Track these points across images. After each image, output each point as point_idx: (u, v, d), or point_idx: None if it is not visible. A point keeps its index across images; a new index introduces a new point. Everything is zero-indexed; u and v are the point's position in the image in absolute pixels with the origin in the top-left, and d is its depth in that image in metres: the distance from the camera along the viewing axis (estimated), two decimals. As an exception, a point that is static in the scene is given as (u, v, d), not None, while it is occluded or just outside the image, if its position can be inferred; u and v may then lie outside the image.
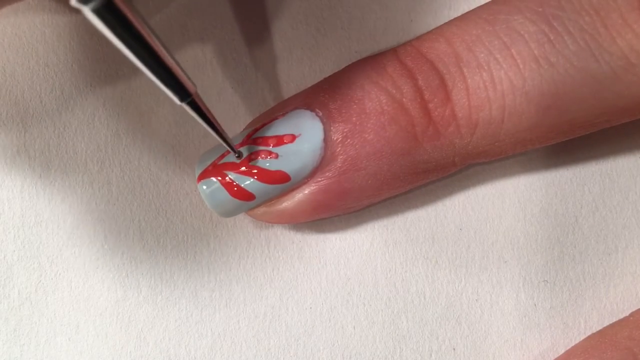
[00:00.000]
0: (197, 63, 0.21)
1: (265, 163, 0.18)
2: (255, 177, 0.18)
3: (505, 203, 0.21)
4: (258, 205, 0.19)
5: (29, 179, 0.21)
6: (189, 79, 0.14)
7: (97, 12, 0.11)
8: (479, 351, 0.21)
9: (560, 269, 0.21)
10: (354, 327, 0.21)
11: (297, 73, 0.22)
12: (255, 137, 0.19)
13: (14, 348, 0.20)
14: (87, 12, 0.11)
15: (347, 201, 0.19)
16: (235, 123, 0.21)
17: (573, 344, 0.20)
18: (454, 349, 0.21)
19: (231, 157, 0.19)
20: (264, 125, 0.19)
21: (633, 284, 0.21)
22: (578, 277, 0.21)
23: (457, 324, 0.21)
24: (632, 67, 0.17)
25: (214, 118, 0.16)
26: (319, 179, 0.19)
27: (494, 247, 0.21)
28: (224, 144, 0.18)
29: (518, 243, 0.21)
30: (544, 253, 0.21)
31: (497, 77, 0.18)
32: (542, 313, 0.21)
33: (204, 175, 0.19)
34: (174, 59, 0.14)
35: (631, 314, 0.20)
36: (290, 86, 0.21)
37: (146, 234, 0.21)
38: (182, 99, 0.15)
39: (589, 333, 0.20)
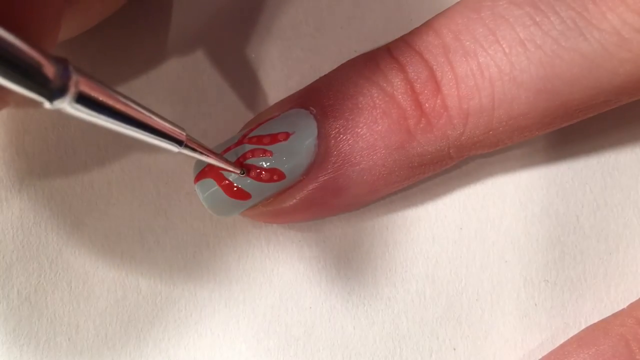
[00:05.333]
0: (197, 63, 0.21)
1: (260, 162, 0.18)
2: (251, 176, 0.18)
3: (506, 202, 0.21)
4: (254, 205, 0.19)
5: (28, 179, 0.21)
6: (176, 126, 0.15)
7: (74, 107, 0.12)
8: (480, 351, 0.20)
9: (561, 269, 0.21)
10: (354, 327, 0.21)
11: (297, 73, 0.22)
12: (250, 137, 0.19)
13: (13, 348, 0.20)
14: (67, 110, 0.12)
15: (344, 198, 0.19)
16: (235, 123, 0.21)
17: (574, 344, 0.20)
18: (454, 349, 0.21)
19: (227, 158, 0.19)
20: (259, 125, 0.19)
21: (634, 283, 0.21)
22: (579, 277, 0.21)
23: (458, 323, 0.21)
24: (625, 43, 0.17)
25: (210, 151, 0.17)
26: (314, 176, 0.19)
27: (494, 246, 0.21)
28: (229, 169, 0.18)
29: (519, 243, 0.21)
30: (545, 253, 0.21)
31: (484, 64, 0.18)
32: (542, 313, 0.21)
33: (200, 176, 0.19)
34: (157, 115, 0.14)
35: (627, 305, 0.20)
36: (290, 86, 0.21)
37: (146, 234, 0.21)
38: (178, 147, 0.15)
39: (590, 333, 0.20)
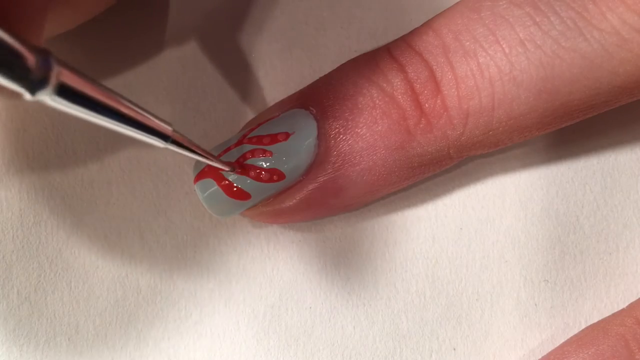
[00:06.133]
0: (197, 63, 0.21)
1: (260, 162, 0.18)
2: (251, 176, 0.18)
3: (506, 202, 0.21)
4: (254, 205, 0.19)
5: (28, 179, 0.21)
6: (163, 121, 0.15)
7: (55, 99, 0.11)
8: (480, 351, 0.20)
9: (561, 269, 0.21)
10: (354, 327, 0.21)
11: (297, 73, 0.22)
12: (250, 137, 0.19)
13: (13, 348, 0.20)
14: (48, 101, 0.11)
15: (344, 198, 0.19)
16: (235, 123, 0.21)
17: (573, 344, 0.20)
18: (454, 349, 0.21)
19: (227, 158, 0.19)
20: (259, 125, 0.19)
21: (634, 283, 0.21)
22: (579, 277, 0.21)
23: (458, 323, 0.21)
24: (625, 43, 0.17)
25: (198, 147, 0.16)
26: (314, 176, 0.19)
27: (494, 246, 0.21)
28: (217, 165, 0.18)
29: (519, 242, 0.21)
30: (545, 252, 0.21)
31: (484, 64, 0.18)
32: (542, 313, 0.21)
33: (200, 176, 0.19)
34: (143, 110, 0.14)
35: (627, 305, 0.20)
36: (290, 86, 0.21)
37: (146, 234, 0.21)
38: (164, 142, 0.15)
39: (590, 333, 0.20)
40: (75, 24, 0.18)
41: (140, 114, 0.14)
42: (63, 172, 0.21)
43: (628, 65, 0.17)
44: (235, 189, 0.18)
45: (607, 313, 0.20)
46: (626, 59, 0.17)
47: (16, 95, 0.11)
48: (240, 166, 0.18)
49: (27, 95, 0.11)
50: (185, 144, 0.16)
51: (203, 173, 0.19)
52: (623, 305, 0.20)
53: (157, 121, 0.14)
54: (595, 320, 0.20)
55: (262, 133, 0.19)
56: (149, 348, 0.20)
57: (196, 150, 0.16)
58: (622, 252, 0.21)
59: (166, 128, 0.15)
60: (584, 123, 0.19)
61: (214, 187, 0.19)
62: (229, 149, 0.19)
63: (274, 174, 0.18)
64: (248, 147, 0.19)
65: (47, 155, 0.21)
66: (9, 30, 0.10)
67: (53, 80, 0.11)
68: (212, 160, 0.17)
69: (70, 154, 0.21)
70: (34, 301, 0.20)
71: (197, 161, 0.19)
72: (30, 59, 0.11)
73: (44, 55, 0.11)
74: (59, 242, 0.21)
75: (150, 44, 0.21)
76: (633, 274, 0.21)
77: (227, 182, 0.18)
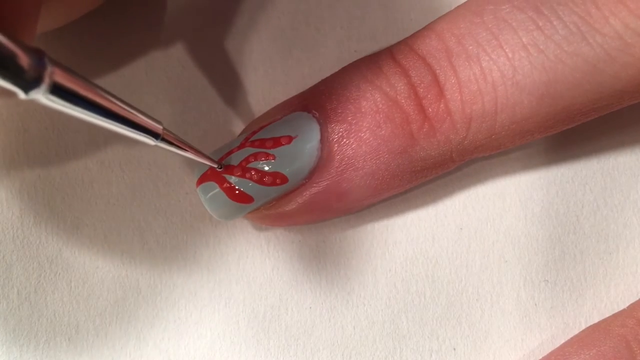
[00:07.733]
0: (197, 63, 0.21)
1: (263, 165, 0.18)
2: (254, 179, 0.18)
3: (506, 202, 0.21)
4: (257, 208, 0.19)
5: (28, 179, 0.21)
6: (153, 119, 0.15)
7: (49, 98, 0.12)
8: (480, 351, 0.20)
9: (561, 269, 0.21)
10: (354, 327, 0.21)
11: (296, 73, 0.22)
12: (253, 140, 0.19)
13: (13, 348, 0.20)
14: (42, 100, 0.12)
15: (346, 202, 0.19)
16: (235, 123, 0.21)
17: (573, 344, 0.20)
18: (454, 349, 0.21)
19: (229, 161, 0.19)
20: (261, 128, 0.19)
21: (634, 283, 0.21)
22: (579, 277, 0.21)
23: (458, 323, 0.21)
24: (627, 47, 0.17)
25: (188, 145, 0.17)
26: (317, 180, 0.19)
27: (494, 246, 0.21)
28: (206, 163, 0.18)
29: (519, 242, 0.21)
30: (545, 252, 0.21)
31: (487, 69, 0.18)
32: (542, 313, 0.21)
33: (203, 179, 0.19)
34: (134, 108, 0.14)
35: (628, 305, 0.20)
36: (290, 86, 0.21)
37: (146, 234, 0.21)
38: (155, 140, 0.15)
39: (589, 333, 0.20)
40: (67, 21, 0.18)
41: (132, 113, 0.14)
42: (63, 172, 0.21)
43: (630, 69, 0.17)
44: (237, 192, 0.18)
45: (607, 313, 0.20)
46: (629, 63, 0.17)
47: (10, 94, 0.11)
48: (243, 169, 0.18)
49: (21, 95, 0.11)
50: (175, 142, 0.16)
51: (205, 176, 0.19)
52: (623, 305, 0.20)
53: (147, 119, 0.15)
54: (596, 320, 0.20)
55: (264, 136, 0.19)
56: (149, 348, 0.20)
57: (186, 148, 0.17)
58: (622, 252, 0.21)
59: (156, 126, 0.15)
60: (584, 124, 0.19)
61: (216, 190, 0.19)
62: (231, 151, 0.19)
63: (277, 178, 0.18)
64: (251, 150, 0.19)
65: (47, 155, 0.21)
66: (3, 30, 0.11)
67: (47, 80, 0.11)
68: (201, 158, 0.18)
69: (70, 154, 0.21)
70: (34, 301, 0.20)
71: (200, 164, 0.19)
72: (24, 58, 0.11)
73: (38, 55, 0.11)
74: (59, 242, 0.21)
75: (151, 44, 0.21)
76: (633, 274, 0.21)
77: (229, 185, 0.18)
